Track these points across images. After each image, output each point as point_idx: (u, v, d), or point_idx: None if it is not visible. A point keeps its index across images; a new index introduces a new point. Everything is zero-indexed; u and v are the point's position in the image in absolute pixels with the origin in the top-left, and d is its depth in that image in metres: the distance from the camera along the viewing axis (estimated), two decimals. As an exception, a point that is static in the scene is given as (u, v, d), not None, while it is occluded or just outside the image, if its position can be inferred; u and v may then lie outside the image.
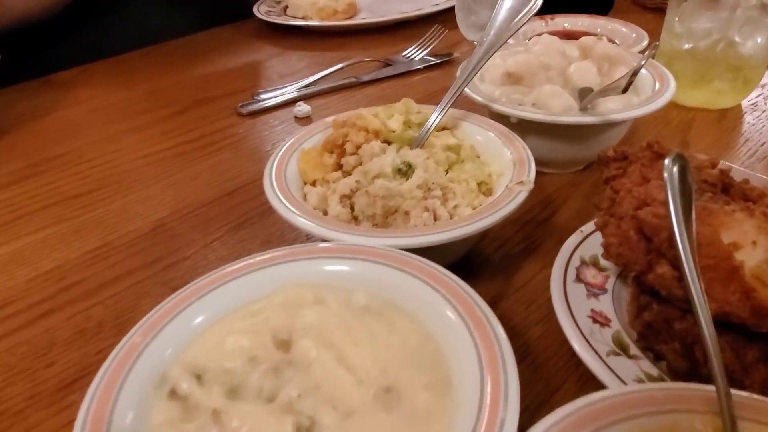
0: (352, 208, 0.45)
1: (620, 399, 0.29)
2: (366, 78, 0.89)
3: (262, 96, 0.85)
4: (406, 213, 0.44)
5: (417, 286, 0.35)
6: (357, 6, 1.19)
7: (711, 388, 0.28)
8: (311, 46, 1.07)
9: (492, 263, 0.50)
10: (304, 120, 0.80)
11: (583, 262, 0.45)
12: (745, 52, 0.71)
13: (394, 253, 0.37)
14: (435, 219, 0.43)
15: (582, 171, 0.64)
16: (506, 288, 0.48)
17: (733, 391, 0.28)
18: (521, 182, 0.44)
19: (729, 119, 0.74)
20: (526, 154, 0.48)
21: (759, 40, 0.70)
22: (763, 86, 0.81)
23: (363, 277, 0.36)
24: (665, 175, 0.34)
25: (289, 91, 0.86)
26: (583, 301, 0.44)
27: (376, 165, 0.46)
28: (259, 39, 1.12)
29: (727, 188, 0.42)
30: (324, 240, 0.40)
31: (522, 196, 0.43)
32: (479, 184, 0.49)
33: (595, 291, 0.45)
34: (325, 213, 0.45)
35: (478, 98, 0.58)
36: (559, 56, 0.65)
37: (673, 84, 0.60)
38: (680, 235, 0.32)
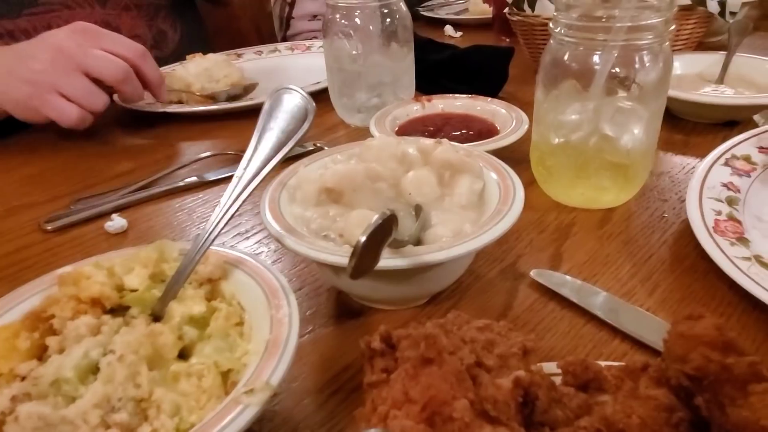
0: (4, 441, 0.30)
1: None
2: (211, 177, 0.76)
3: (81, 206, 0.72)
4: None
5: None
6: (244, 80, 1.08)
7: None
8: (179, 133, 0.94)
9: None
10: (118, 237, 0.66)
11: None
12: (622, 146, 0.61)
13: None
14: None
15: (427, 304, 0.52)
16: None
17: None
18: (251, 390, 0.30)
19: (613, 222, 0.63)
20: (287, 332, 0.35)
21: (636, 132, 0.60)
22: (660, 176, 0.70)
23: None
24: None
25: (113, 199, 0.72)
26: None
27: (53, 365, 0.32)
28: (117, 126, 0.99)
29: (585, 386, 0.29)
30: None
31: (246, 417, 0.29)
32: (227, 373, 0.35)
33: None
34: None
35: (272, 229, 0.45)
36: (396, 162, 0.53)
37: (518, 203, 0.48)
38: None
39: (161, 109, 0.95)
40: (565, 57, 0.59)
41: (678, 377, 0.29)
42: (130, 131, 0.96)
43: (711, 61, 0.96)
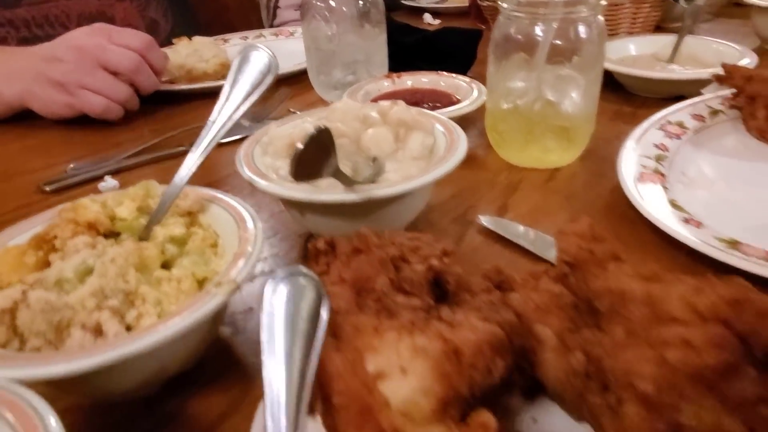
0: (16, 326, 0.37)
1: None
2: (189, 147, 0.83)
3: (78, 170, 0.78)
4: (84, 327, 0.37)
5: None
6: (227, 61, 1.14)
7: None
8: (170, 110, 1.01)
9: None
10: (111, 196, 0.73)
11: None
12: (564, 111, 0.68)
13: None
14: (102, 335, 0.36)
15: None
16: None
17: None
18: (219, 284, 0.37)
19: (557, 180, 0.70)
20: (253, 246, 0.41)
21: (575, 97, 0.67)
22: (605, 141, 0.77)
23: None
24: (264, 298, 0.27)
25: (108, 164, 0.79)
26: None
27: (55, 269, 0.39)
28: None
29: (441, 285, 0.36)
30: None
31: (214, 303, 0.36)
32: (203, 282, 0.42)
33: None
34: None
35: (244, 174, 0.52)
36: (358, 122, 0.60)
37: (461, 150, 0.55)
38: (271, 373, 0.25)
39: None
40: (512, 30, 0.66)
41: (561, 266, 0.36)
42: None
43: (665, 42, 1.03)
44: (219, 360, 0.46)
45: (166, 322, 0.35)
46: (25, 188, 0.76)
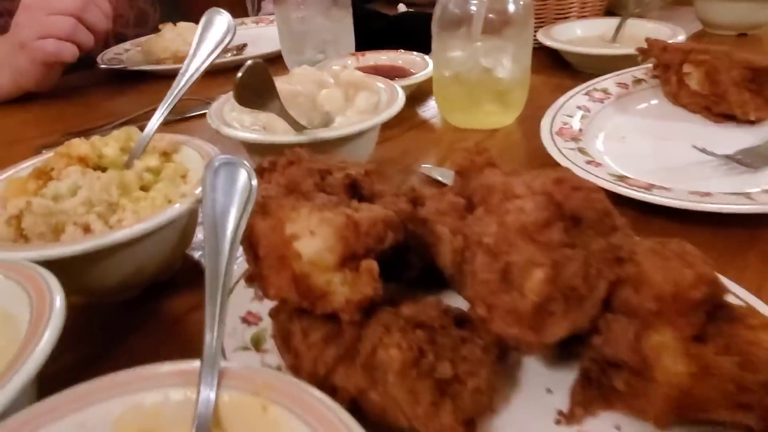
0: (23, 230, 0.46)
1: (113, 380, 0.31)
2: (177, 117, 0.93)
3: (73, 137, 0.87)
4: (75, 224, 0.46)
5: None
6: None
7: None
8: (158, 87, 1.10)
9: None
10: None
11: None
12: (498, 77, 0.77)
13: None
14: (90, 231, 0.45)
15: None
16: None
17: (223, 363, 0.31)
18: (184, 195, 0.47)
19: (495, 138, 0.80)
20: (214, 171, 0.51)
21: (507, 64, 0.77)
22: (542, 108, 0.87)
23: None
24: (206, 178, 0.37)
25: (98, 132, 0.88)
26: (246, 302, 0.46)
27: (52, 187, 0.48)
28: (103, 85, 1.14)
29: (357, 189, 0.46)
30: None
31: (178, 209, 0.46)
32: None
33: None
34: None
35: (212, 123, 0.62)
36: (314, 85, 0.70)
37: (399, 103, 0.64)
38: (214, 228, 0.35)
39: (137, 68, 1.11)
40: (451, 6, 0.76)
41: (456, 177, 0.45)
42: (113, 88, 1.12)
43: (611, 25, 1.12)
44: (189, 273, 0.56)
45: (140, 223, 0.44)
46: (24, 154, 0.85)
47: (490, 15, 0.74)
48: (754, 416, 0.32)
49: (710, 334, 0.35)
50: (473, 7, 0.74)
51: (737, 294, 0.42)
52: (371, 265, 0.36)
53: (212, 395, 0.29)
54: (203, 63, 0.55)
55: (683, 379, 0.34)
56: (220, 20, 0.57)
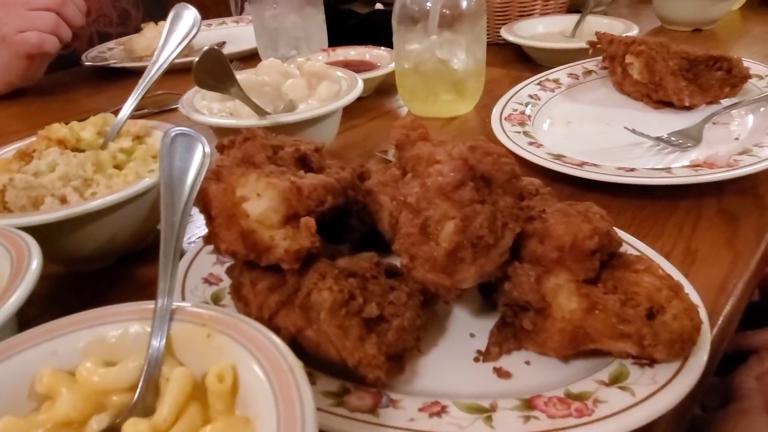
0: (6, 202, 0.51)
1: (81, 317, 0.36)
2: (156, 110, 0.98)
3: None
4: (53, 196, 0.51)
5: None
6: (192, 46, 1.29)
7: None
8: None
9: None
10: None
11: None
12: (455, 68, 0.83)
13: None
14: (66, 203, 0.50)
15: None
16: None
17: (175, 303, 0.36)
18: (152, 171, 0.52)
19: (453, 125, 0.85)
20: (181, 150, 0.56)
21: (462, 56, 0.82)
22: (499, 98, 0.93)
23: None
24: (162, 145, 0.42)
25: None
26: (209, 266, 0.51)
27: (33, 165, 0.53)
28: (85, 81, 1.19)
29: (306, 162, 0.51)
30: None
31: (146, 182, 0.51)
32: (144, 178, 0.56)
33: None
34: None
35: (183, 110, 0.67)
36: (280, 75, 0.75)
37: (357, 90, 0.70)
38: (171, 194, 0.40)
39: (120, 65, 1.16)
40: (409, 2, 0.81)
41: (395, 151, 0.51)
42: (96, 85, 1.17)
43: (572, 21, 1.18)
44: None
45: (111, 194, 0.49)
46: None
47: (445, 10, 0.80)
48: (631, 344, 0.38)
49: (602, 278, 0.41)
50: (429, 4, 0.79)
51: (636, 246, 0.48)
52: (309, 221, 0.41)
53: (165, 327, 0.35)
54: (172, 53, 0.60)
55: (575, 314, 0.39)
56: (188, 15, 0.62)
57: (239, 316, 0.35)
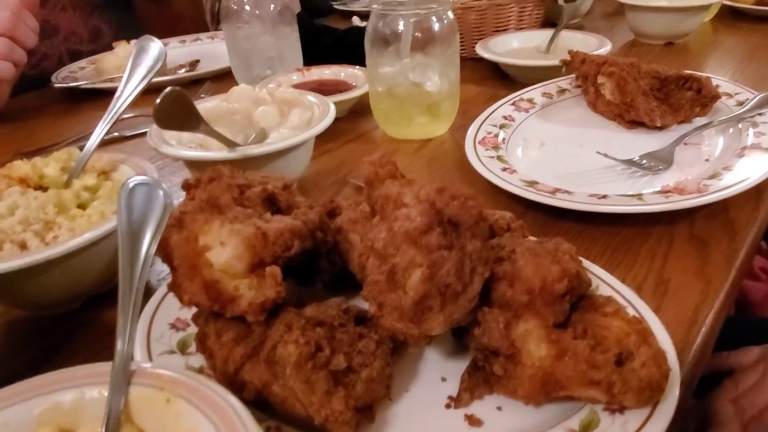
0: (-37, 247, 0.50)
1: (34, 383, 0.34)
2: (129, 133, 0.96)
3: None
4: (12, 242, 0.50)
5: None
6: (166, 64, 1.27)
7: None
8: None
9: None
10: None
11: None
12: (428, 90, 0.82)
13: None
14: (26, 248, 0.49)
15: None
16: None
17: (134, 365, 0.35)
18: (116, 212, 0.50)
19: (427, 148, 0.85)
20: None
21: (435, 79, 0.82)
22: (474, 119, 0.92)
23: None
24: (121, 196, 0.41)
25: (49, 151, 0.91)
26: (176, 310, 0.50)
27: (-8, 208, 0.52)
28: (55, 103, 1.17)
29: (274, 202, 0.50)
30: None
31: (110, 225, 0.49)
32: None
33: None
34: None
35: (151, 141, 0.65)
36: (251, 102, 0.74)
37: (326, 121, 0.69)
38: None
39: (90, 86, 1.14)
40: (381, 25, 0.81)
41: (365, 187, 0.50)
42: (67, 106, 1.15)
43: (546, 36, 1.19)
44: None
45: (73, 239, 0.48)
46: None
47: (417, 33, 0.79)
48: (601, 391, 0.37)
49: (572, 320, 0.40)
50: (401, 26, 0.79)
51: (607, 281, 0.48)
52: (274, 270, 0.40)
53: (122, 391, 0.33)
54: (136, 87, 0.59)
55: (545, 361, 0.39)
56: (153, 47, 0.61)
57: (199, 378, 0.34)
